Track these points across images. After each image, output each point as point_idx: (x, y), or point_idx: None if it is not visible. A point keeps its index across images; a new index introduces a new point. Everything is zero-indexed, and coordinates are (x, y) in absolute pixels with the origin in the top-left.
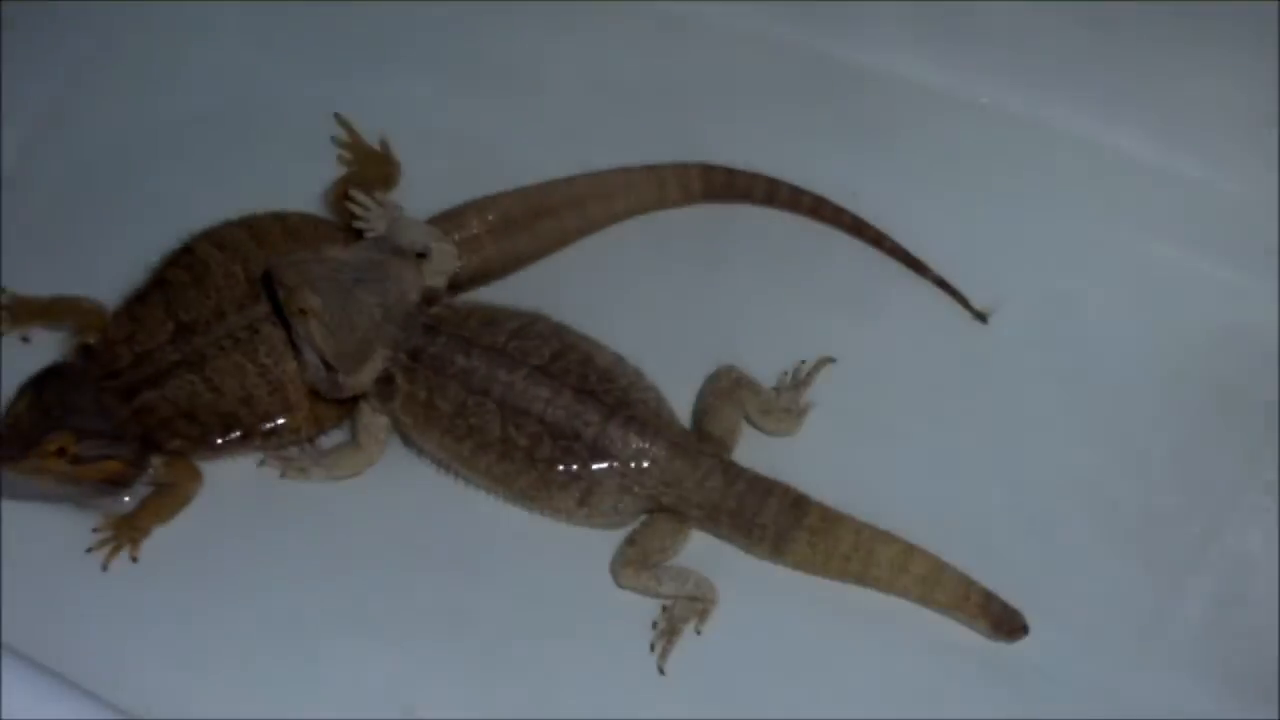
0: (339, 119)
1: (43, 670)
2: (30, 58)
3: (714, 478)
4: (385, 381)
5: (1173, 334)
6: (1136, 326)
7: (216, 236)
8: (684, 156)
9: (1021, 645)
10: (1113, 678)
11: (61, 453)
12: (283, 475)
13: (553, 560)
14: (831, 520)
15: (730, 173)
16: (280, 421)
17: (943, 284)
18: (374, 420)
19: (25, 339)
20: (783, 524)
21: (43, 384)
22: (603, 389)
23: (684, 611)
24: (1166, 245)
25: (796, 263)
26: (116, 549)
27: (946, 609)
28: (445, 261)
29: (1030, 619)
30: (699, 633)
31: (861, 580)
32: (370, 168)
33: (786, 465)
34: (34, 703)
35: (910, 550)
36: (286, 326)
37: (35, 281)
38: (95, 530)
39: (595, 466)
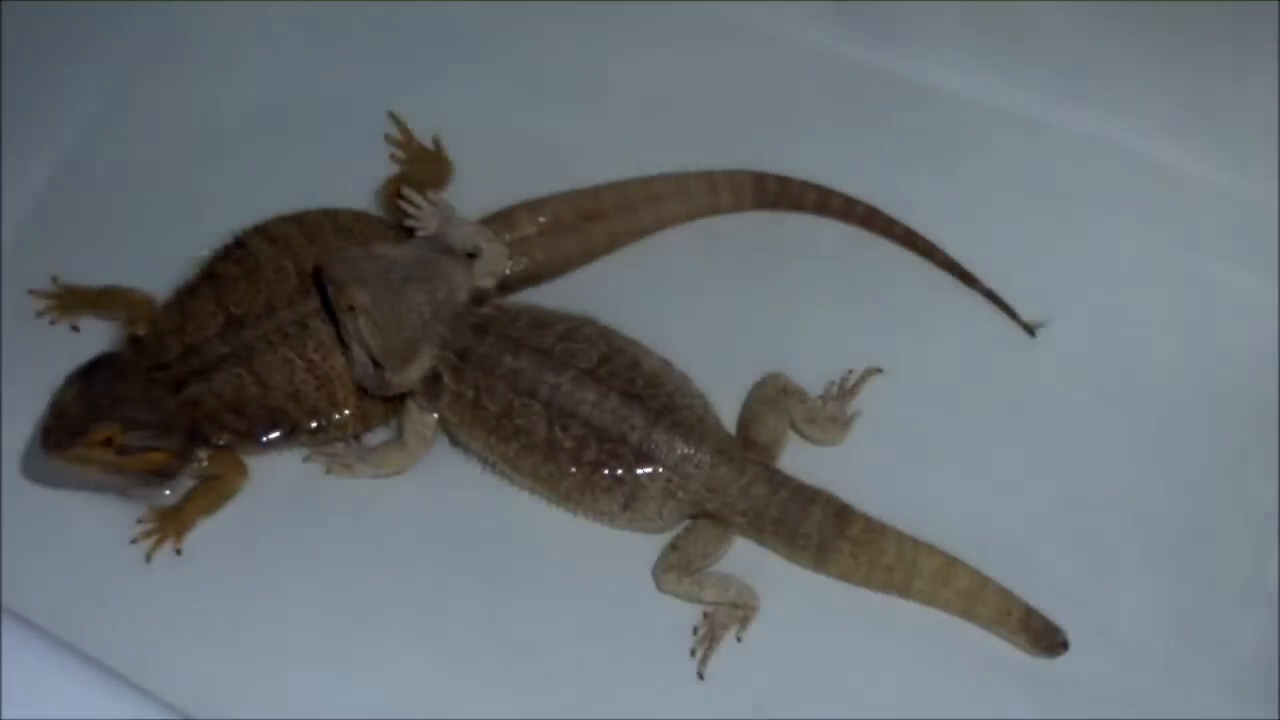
0: (392, 117)
1: (84, 658)
2: (89, 50)
3: (758, 485)
4: (432, 380)
5: (1220, 351)
6: (1184, 343)
7: (268, 232)
8: (739, 165)
9: (1063, 661)
10: (1156, 695)
11: (108, 443)
12: (327, 472)
13: (594, 563)
14: (875, 531)
15: (783, 180)
16: (327, 418)
17: (992, 297)
18: (420, 418)
19: (75, 328)
20: (826, 534)
21: (91, 374)
22: (649, 394)
23: (725, 618)
24: (1217, 262)
25: (847, 273)
26: (160, 540)
27: (987, 623)
28: (496, 262)
29: (1073, 635)
30: (740, 640)
31: (903, 592)
32: (422, 166)
33: (831, 474)
34: (77, 691)
35: (953, 564)
36: (335, 322)
37: (88, 273)
38: (140, 521)
39: (640, 471)
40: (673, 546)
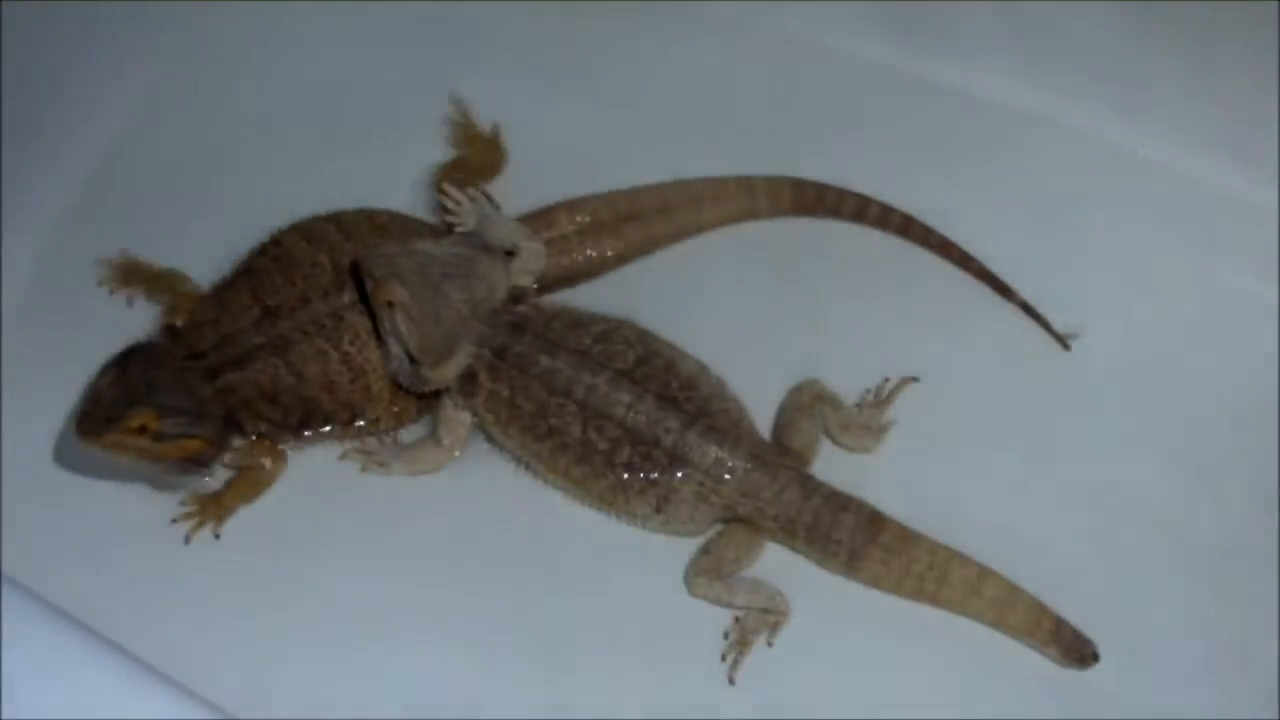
0: (454, 101)
1: (119, 651)
2: (129, 46)
3: (791, 491)
4: (469, 378)
5: (1252, 365)
6: (1216, 357)
7: (304, 229)
8: (779, 171)
9: (1094, 674)
10: (1187, 710)
11: (143, 429)
12: (363, 469)
13: (626, 566)
14: (907, 539)
15: (821, 187)
16: (361, 410)
17: (1027, 308)
18: (456, 416)
19: (130, 303)
20: (858, 540)
21: (127, 361)
22: (684, 397)
23: (756, 623)
24: (1252, 278)
25: (883, 281)
26: (200, 523)
27: (1018, 634)
28: (534, 260)
29: (1104, 648)
30: (771, 645)
31: (934, 600)
32: (479, 153)
33: (864, 482)
34: (113, 684)
35: (984, 573)
36: (373, 317)
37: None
38: (181, 503)
39: (673, 474)
40: (705, 550)
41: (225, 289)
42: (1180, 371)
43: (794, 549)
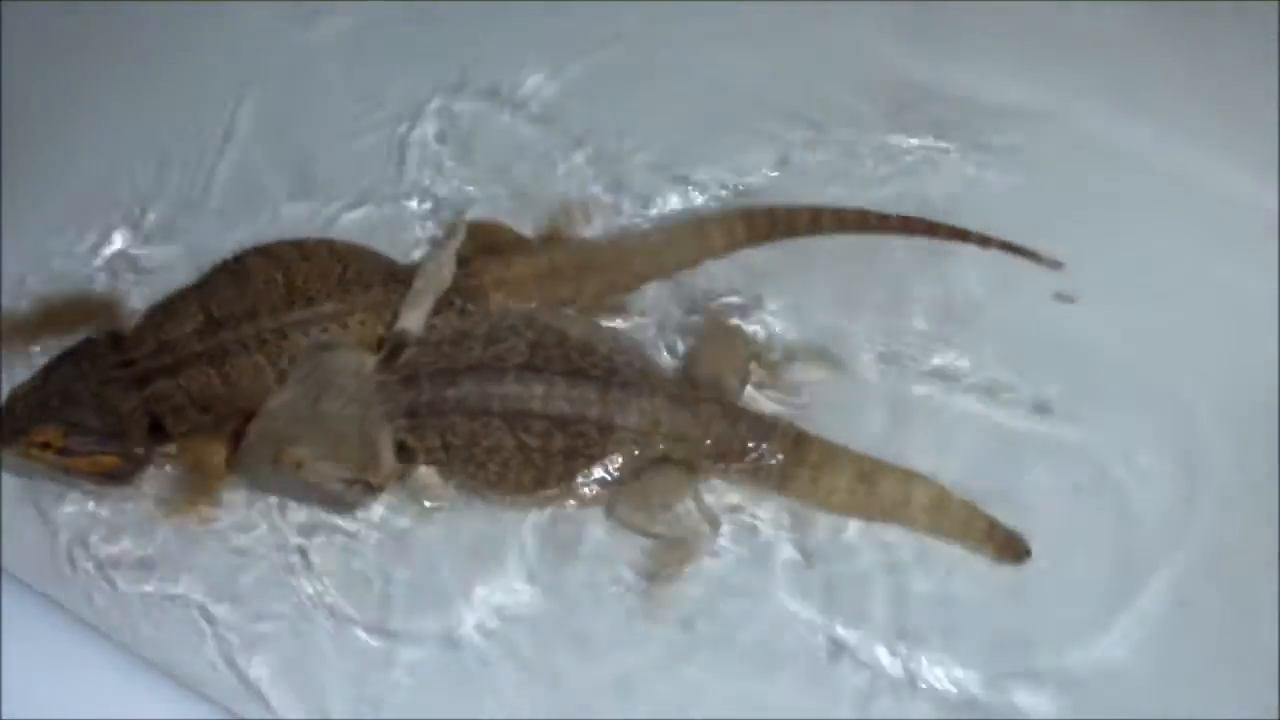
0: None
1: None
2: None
3: (717, 423)
4: (401, 450)
5: (1252, 363)
6: (1217, 354)
7: (264, 249)
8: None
9: (1095, 674)
10: (1188, 709)
11: (47, 445)
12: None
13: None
14: (834, 453)
15: (771, 211)
16: None
17: (1009, 246)
18: (428, 482)
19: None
20: (787, 460)
21: (53, 368)
22: (588, 364)
23: (666, 556)
24: (1252, 276)
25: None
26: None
27: (954, 537)
28: (431, 283)
29: (1105, 648)
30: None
31: (866, 512)
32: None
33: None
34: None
35: (912, 478)
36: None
37: None
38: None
39: (608, 440)
40: (633, 480)
41: (177, 299)
42: (1181, 369)
43: (728, 479)
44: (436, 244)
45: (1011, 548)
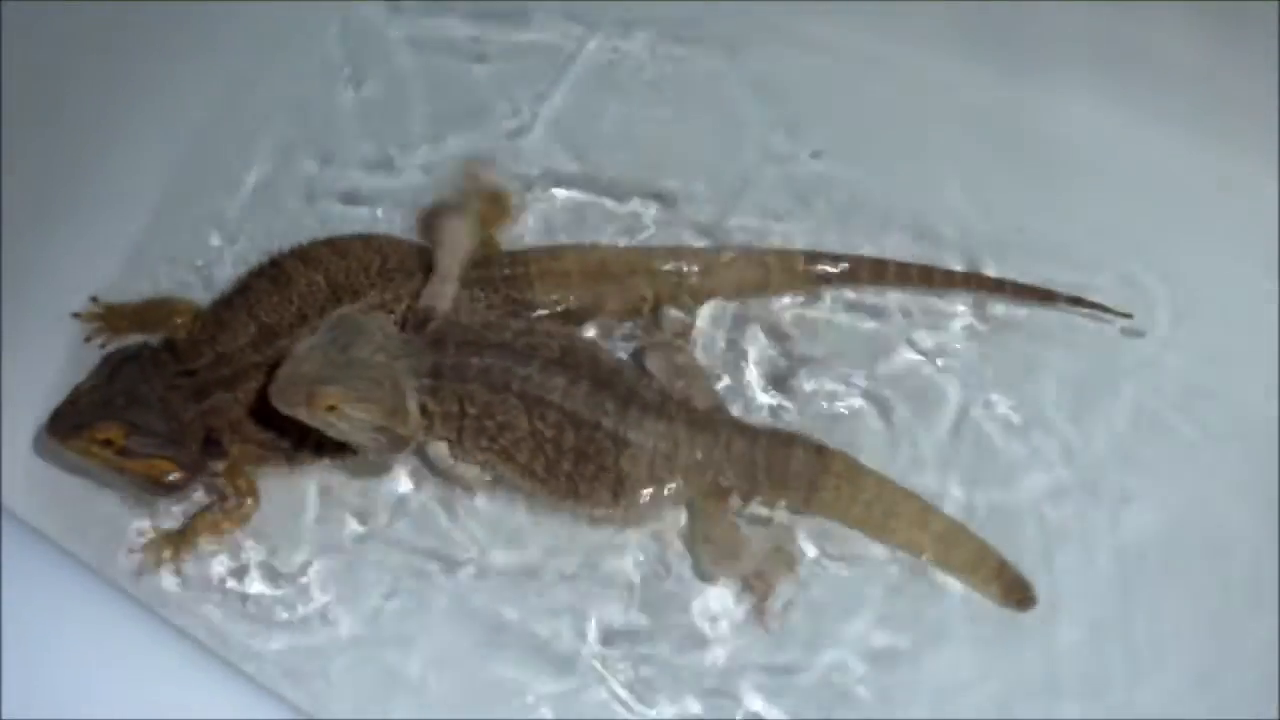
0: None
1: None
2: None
3: (736, 441)
4: (422, 413)
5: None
6: (1217, 353)
7: (299, 252)
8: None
9: (1096, 675)
10: (1188, 709)
11: (109, 443)
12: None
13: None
14: (857, 468)
15: (835, 257)
16: None
17: (1076, 300)
18: (442, 453)
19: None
20: (813, 470)
21: (119, 367)
22: (615, 380)
23: (774, 567)
24: (1253, 266)
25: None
26: (159, 559)
27: (961, 572)
28: (438, 299)
29: (1105, 648)
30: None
31: (881, 532)
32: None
33: None
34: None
35: (929, 509)
36: (323, 446)
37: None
38: (140, 534)
39: (621, 456)
40: (703, 542)
41: (223, 307)
42: (1181, 367)
43: (756, 498)
44: (440, 211)
45: (1018, 591)
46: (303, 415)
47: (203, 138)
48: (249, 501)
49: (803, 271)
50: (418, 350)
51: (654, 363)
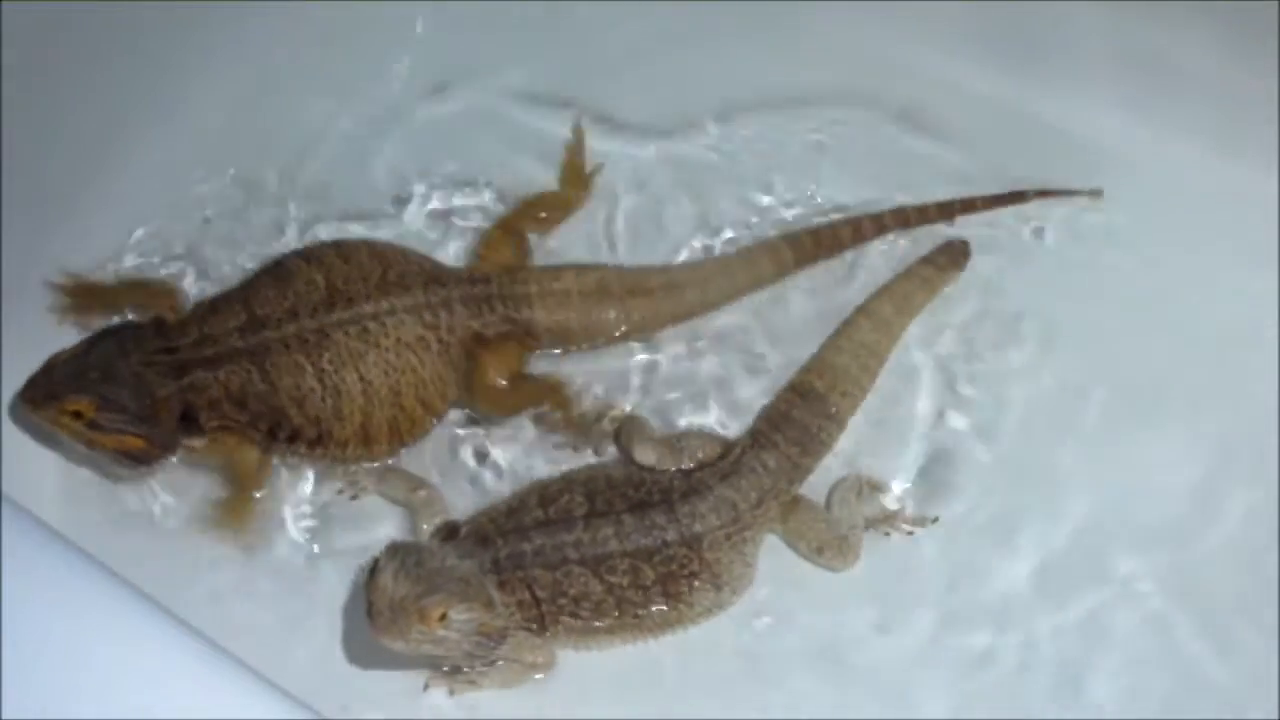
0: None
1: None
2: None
3: (764, 456)
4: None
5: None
6: (1217, 351)
7: (305, 252)
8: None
9: (1097, 674)
10: (1188, 708)
11: (78, 415)
12: (451, 694)
13: None
14: (830, 366)
15: (814, 232)
16: (329, 431)
17: (1046, 191)
18: (521, 641)
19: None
20: (808, 403)
21: (96, 341)
22: (643, 494)
23: (872, 508)
24: (1251, 268)
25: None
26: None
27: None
28: (431, 506)
29: (1105, 648)
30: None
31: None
32: (566, 186)
33: None
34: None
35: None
36: (305, 437)
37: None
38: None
39: (698, 552)
40: (817, 552)
41: (220, 298)
42: (1181, 364)
43: (810, 473)
44: (379, 479)
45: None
46: (415, 639)
47: (220, 137)
48: (246, 451)
49: (790, 255)
50: (471, 550)
51: (641, 452)
